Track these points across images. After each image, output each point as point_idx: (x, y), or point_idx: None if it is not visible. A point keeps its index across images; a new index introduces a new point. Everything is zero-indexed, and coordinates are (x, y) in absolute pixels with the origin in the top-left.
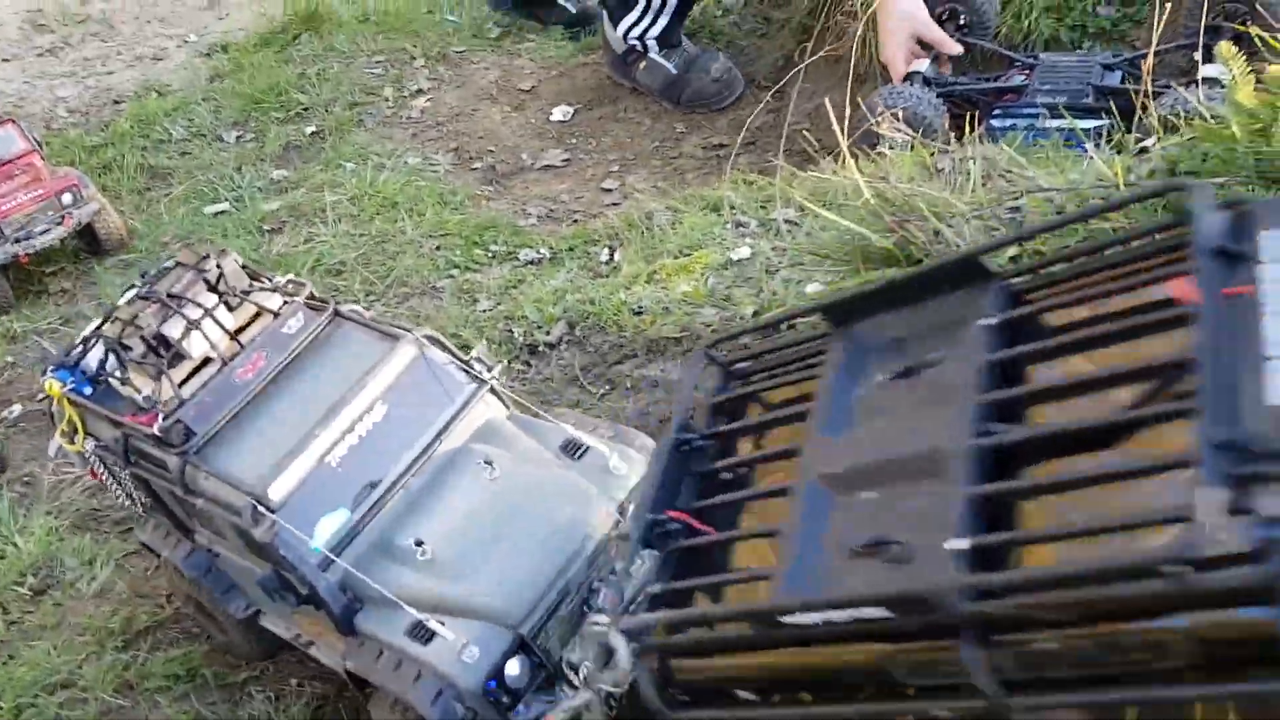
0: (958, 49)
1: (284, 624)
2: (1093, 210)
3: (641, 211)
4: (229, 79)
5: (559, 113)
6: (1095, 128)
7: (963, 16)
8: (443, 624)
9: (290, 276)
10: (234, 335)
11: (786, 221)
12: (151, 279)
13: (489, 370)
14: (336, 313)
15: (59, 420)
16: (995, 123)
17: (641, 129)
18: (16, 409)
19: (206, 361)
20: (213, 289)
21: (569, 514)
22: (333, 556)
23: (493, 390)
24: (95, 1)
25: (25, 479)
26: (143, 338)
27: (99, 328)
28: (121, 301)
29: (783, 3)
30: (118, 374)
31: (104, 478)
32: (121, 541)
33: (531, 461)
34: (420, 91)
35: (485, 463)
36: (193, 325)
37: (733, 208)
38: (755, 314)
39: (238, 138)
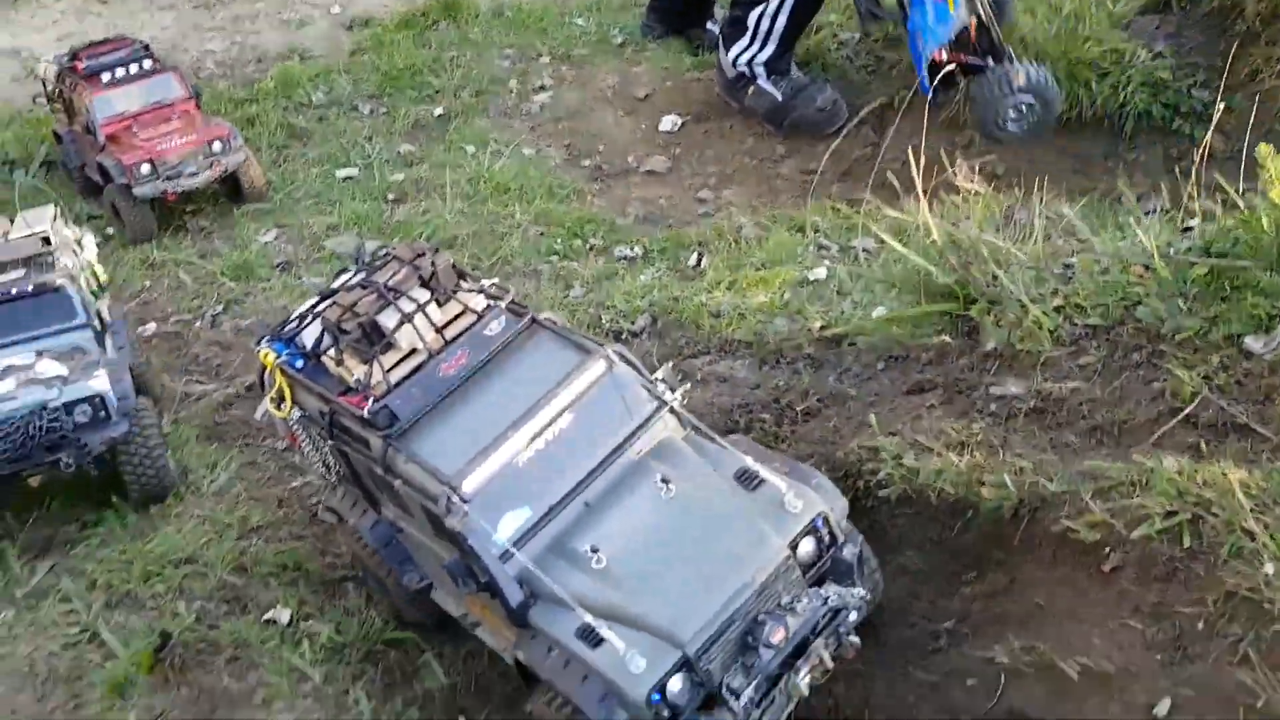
0: None
1: (454, 603)
2: None
3: (732, 224)
4: (369, 54)
5: (668, 122)
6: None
7: None
8: (612, 631)
9: (494, 281)
10: (440, 330)
11: (864, 250)
12: (368, 267)
13: (672, 391)
14: (534, 320)
15: (269, 387)
16: None
17: (743, 147)
18: (151, 327)
19: (413, 352)
20: (425, 284)
21: (741, 544)
22: (514, 550)
23: (672, 410)
24: None
25: (156, 393)
26: (360, 324)
27: (314, 307)
28: (336, 284)
29: (896, 45)
30: (333, 354)
31: (302, 444)
32: (240, 452)
33: (707, 486)
34: (543, 88)
35: (662, 481)
36: (406, 319)
37: (816, 231)
38: (822, 328)
39: (371, 110)
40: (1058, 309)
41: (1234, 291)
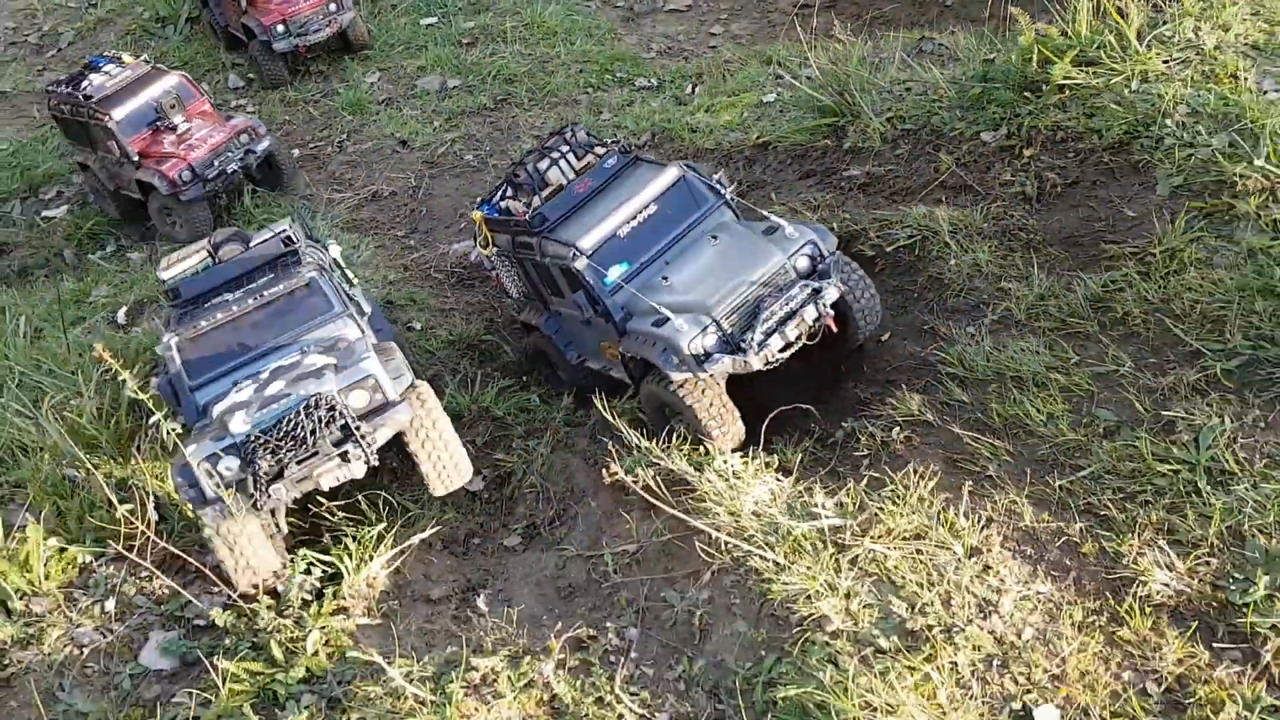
0: None
1: (598, 363)
2: None
3: (720, 59)
4: None
5: None
6: None
7: None
8: (671, 316)
9: (616, 138)
10: (578, 173)
11: (808, 78)
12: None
13: (725, 189)
14: (636, 158)
15: (478, 236)
16: None
17: None
18: (296, 151)
19: (560, 188)
20: (568, 144)
21: (755, 261)
22: (622, 283)
23: (726, 203)
24: None
25: (305, 197)
26: (526, 173)
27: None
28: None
29: None
30: (509, 195)
31: (498, 276)
32: (371, 239)
33: (742, 237)
34: None
35: (712, 238)
36: (553, 163)
37: (779, 64)
38: (757, 138)
39: None
40: (889, 119)
41: (988, 104)
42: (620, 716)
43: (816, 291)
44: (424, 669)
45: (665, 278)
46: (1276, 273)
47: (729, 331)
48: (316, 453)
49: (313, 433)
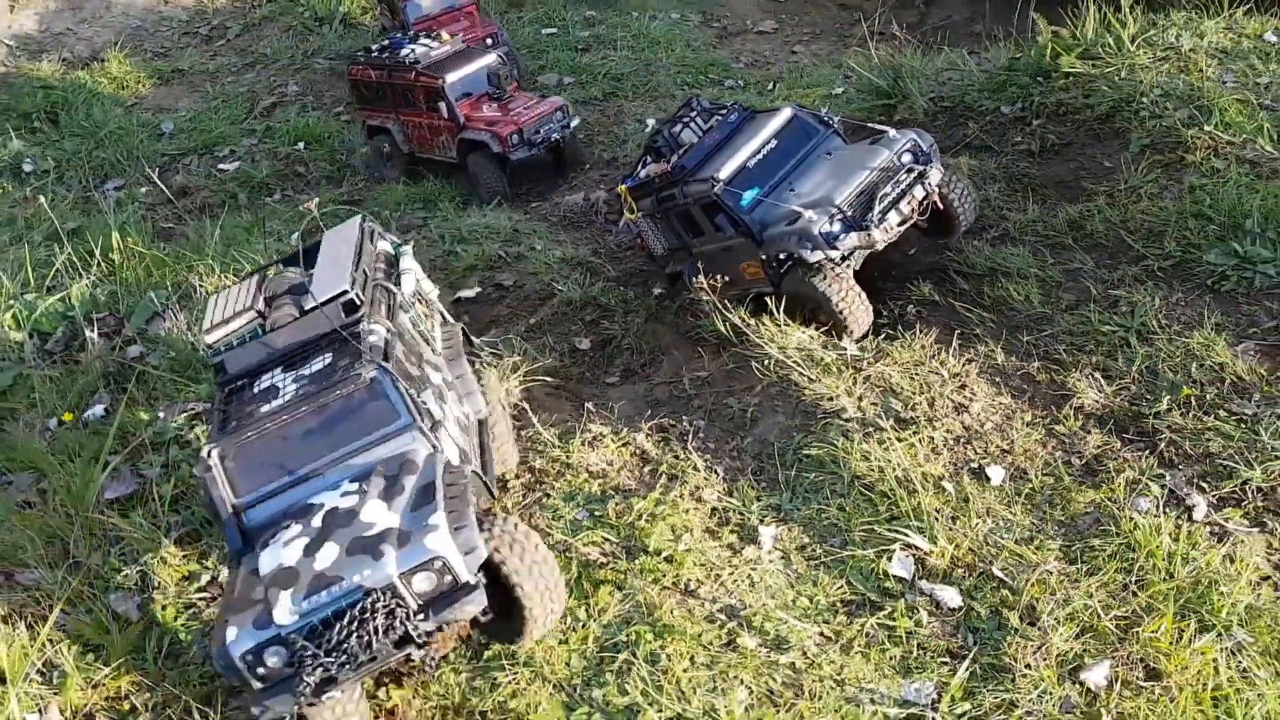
0: None
1: (738, 288)
2: None
3: (795, 66)
4: None
5: None
6: None
7: None
8: (802, 211)
9: (735, 102)
10: (705, 132)
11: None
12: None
13: (833, 121)
14: (754, 112)
15: (624, 205)
16: None
17: (830, 13)
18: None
19: (691, 146)
20: (695, 111)
21: (865, 160)
22: (764, 198)
23: (835, 132)
24: None
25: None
26: (663, 138)
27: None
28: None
29: None
30: (649, 163)
31: (646, 236)
32: (545, 225)
33: (853, 149)
34: None
35: (827, 154)
36: (685, 126)
37: (847, 68)
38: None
39: None
40: (931, 99)
41: (1010, 87)
42: (692, 465)
43: (921, 175)
44: (551, 433)
45: (792, 189)
46: (1205, 200)
47: (851, 215)
48: (375, 658)
49: (368, 643)
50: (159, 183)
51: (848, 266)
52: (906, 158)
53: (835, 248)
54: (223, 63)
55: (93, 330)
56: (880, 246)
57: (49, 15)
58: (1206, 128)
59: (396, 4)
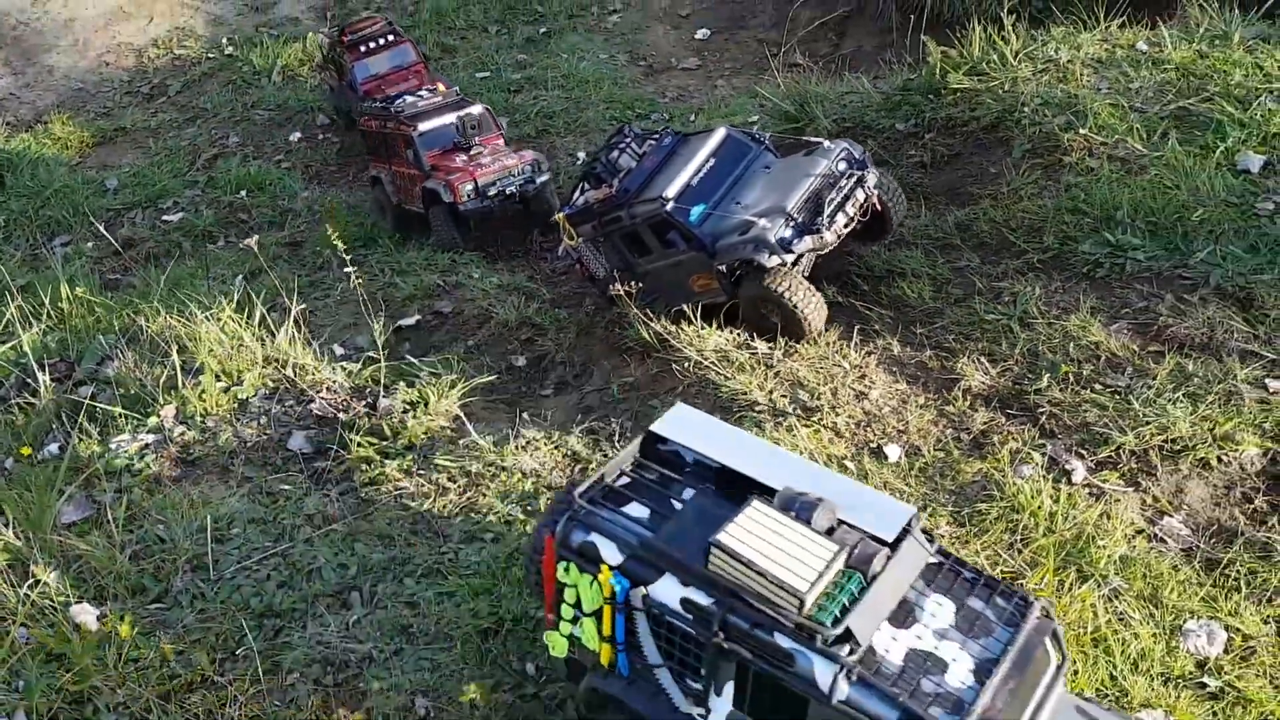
0: None
1: (687, 302)
2: None
3: (715, 98)
4: None
5: (701, 33)
6: None
7: None
8: (755, 220)
9: (666, 127)
10: (641, 156)
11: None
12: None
13: (764, 139)
14: (685, 135)
15: (562, 232)
16: None
17: (749, 50)
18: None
19: (629, 171)
20: (628, 138)
21: (805, 170)
22: (711, 212)
23: (767, 148)
24: None
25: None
26: (601, 164)
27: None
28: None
29: None
30: (587, 189)
31: (586, 261)
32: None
33: (793, 162)
34: (614, 11)
35: (765, 167)
36: (621, 152)
37: (763, 95)
38: None
39: (497, 31)
40: (835, 120)
41: (903, 105)
42: None
43: (860, 179)
44: (489, 439)
45: (737, 202)
46: (1080, 196)
47: (800, 221)
48: None
49: None
50: (106, 235)
51: (800, 269)
52: (843, 165)
53: (791, 251)
54: (164, 119)
55: (45, 374)
56: (830, 247)
57: None
58: (1082, 131)
59: (344, 65)
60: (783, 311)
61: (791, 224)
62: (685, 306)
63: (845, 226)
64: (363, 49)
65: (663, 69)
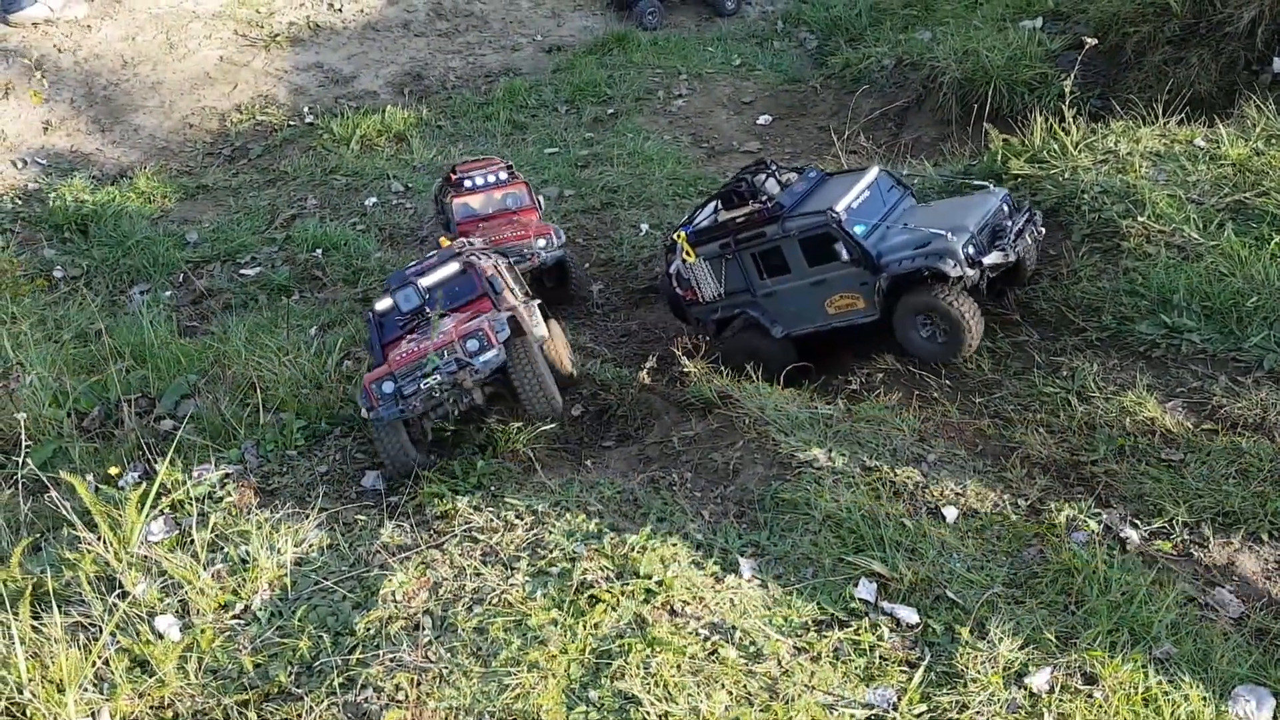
0: None
1: (814, 324)
2: None
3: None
4: (563, 72)
5: (763, 119)
6: None
7: None
8: (940, 231)
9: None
10: (783, 186)
11: None
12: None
13: (910, 186)
14: (829, 173)
15: (679, 252)
16: None
17: (811, 135)
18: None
19: (770, 197)
20: (770, 169)
21: (979, 202)
22: (872, 226)
23: (910, 194)
24: (477, 2)
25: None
26: (747, 183)
27: (698, 209)
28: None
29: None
30: (718, 208)
31: (700, 283)
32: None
33: (953, 199)
34: (679, 95)
35: (924, 204)
36: (768, 176)
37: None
38: None
39: (566, 110)
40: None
41: (966, 189)
42: (679, 508)
43: (1032, 217)
44: (555, 481)
45: (906, 224)
46: (1138, 280)
47: (982, 242)
48: None
49: None
50: (190, 282)
51: (965, 289)
52: (1007, 207)
53: (976, 266)
54: (245, 180)
55: (128, 408)
56: (1011, 263)
57: (79, 136)
58: (1140, 218)
59: (446, 204)
60: (944, 323)
61: (974, 243)
62: (748, 366)
63: (1024, 252)
64: (467, 185)
65: (724, 151)
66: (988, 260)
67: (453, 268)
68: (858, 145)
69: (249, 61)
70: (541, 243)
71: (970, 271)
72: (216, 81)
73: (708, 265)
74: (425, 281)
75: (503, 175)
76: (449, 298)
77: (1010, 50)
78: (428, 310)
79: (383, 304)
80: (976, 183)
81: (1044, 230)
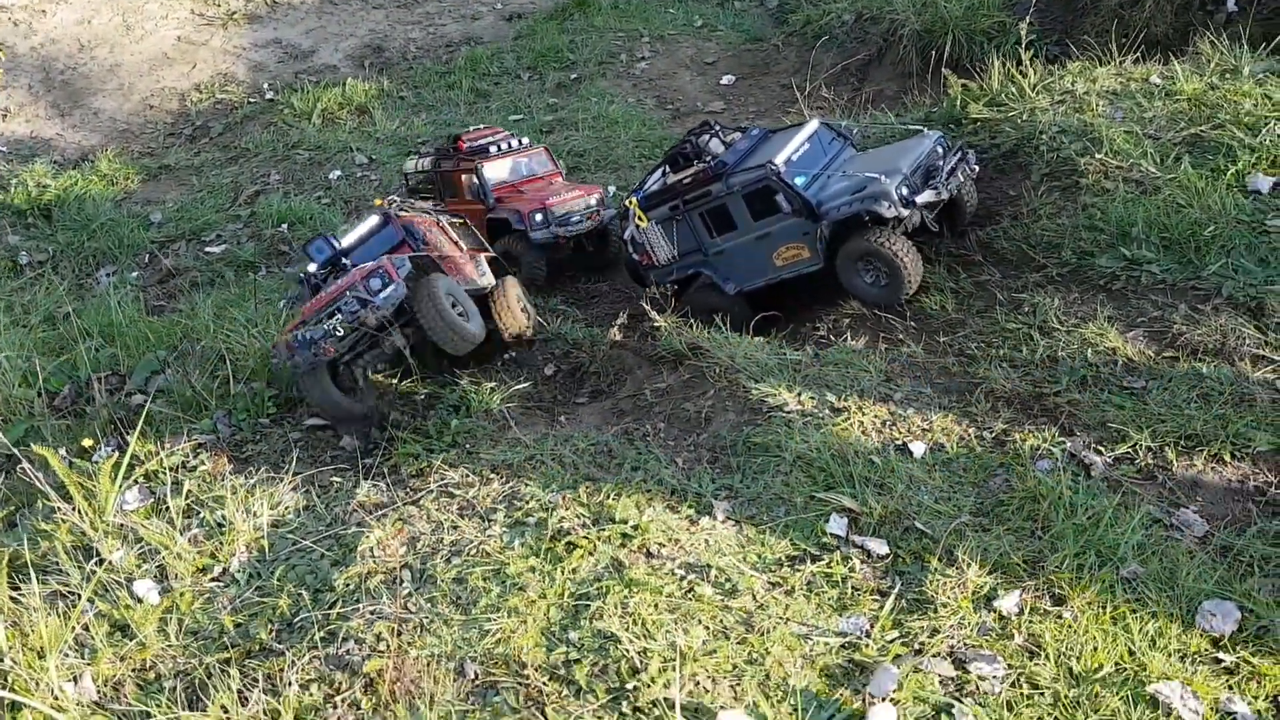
0: None
1: (764, 277)
2: None
3: None
4: (525, 38)
5: (726, 79)
6: None
7: None
8: (875, 175)
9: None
10: (727, 145)
11: None
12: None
13: (851, 134)
14: (770, 131)
15: (632, 218)
16: None
17: (773, 94)
18: None
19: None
20: (714, 129)
21: (912, 145)
22: (812, 176)
23: (851, 144)
24: None
25: None
26: (691, 145)
27: (656, 169)
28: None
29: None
30: (666, 172)
31: (653, 246)
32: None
33: (896, 145)
34: (642, 58)
35: (862, 151)
36: (711, 137)
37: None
38: None
39: (529, 77)
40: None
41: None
42: (654, 456)
43: (964, 155)
44: (528, 435)
45: (843, 172)
46: (1097, 215)
47: (916, 183)
48: None
49: None
50: (156, 262)
51: (901, 231)
52: (940, 148)
53: (910, 205)
54: (207, 158)
55: (98, 385)
56: (945, 200)
57: (39, 121)
58: (1098, 155)
59: (452, 180)
60: (883, 266)
61: (907, 185)
62: (715, 317)
63: (958, 189)
64: (493, 151)
65: (689, 112)
66: (921, 199)
67: (372, 221)
68: (821, 100)
69: (207, 40)
70: (595, 199)
71: (905, 211)
72: (175, 61)
73: (659, 229)
74: (348, 239)
75: (524, 141)
76: (374, 248)
77: (968, 0)
78: (344, 260)
79: (311, 266)
80: (912, 126)
81: (978, 167)
